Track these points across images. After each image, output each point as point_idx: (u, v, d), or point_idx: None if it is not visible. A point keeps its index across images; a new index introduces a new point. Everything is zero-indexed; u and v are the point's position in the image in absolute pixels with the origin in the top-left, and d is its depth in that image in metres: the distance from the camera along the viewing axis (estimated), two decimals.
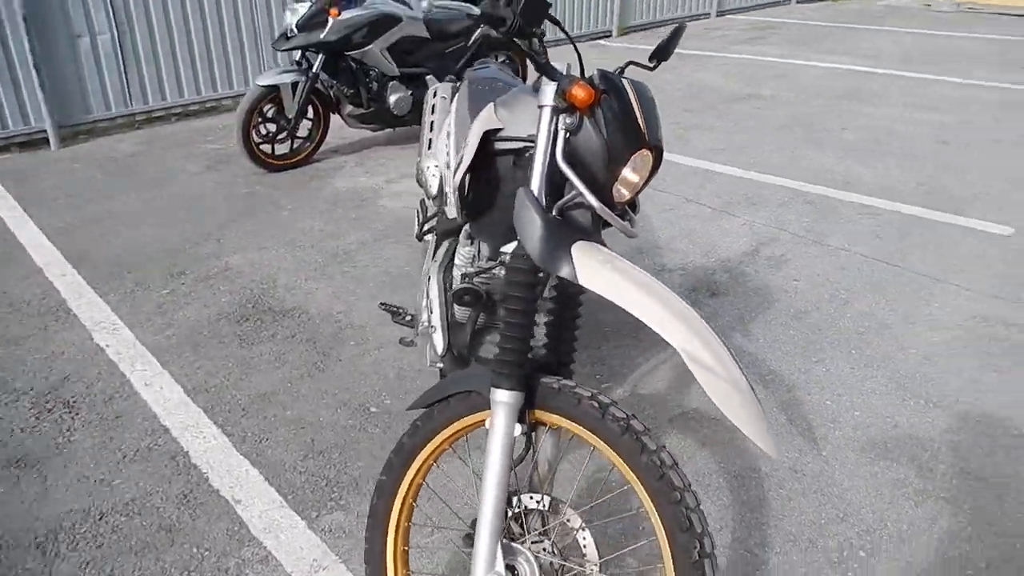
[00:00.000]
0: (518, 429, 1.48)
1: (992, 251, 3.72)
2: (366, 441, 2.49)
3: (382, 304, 2.66)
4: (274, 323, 3.21)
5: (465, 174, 1.75)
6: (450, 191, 1.90)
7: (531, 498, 1.58)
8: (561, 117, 1.46)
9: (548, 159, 1.45)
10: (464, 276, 1.91)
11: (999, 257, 3.65)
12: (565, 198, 1.48)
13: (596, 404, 1.46)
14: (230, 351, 3.01)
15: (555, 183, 1.50)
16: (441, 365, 2.06)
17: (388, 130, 5.37)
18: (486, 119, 1.71)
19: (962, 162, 4.83)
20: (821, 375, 2.79)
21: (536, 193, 1.45)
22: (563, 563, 1.54)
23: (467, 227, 1.91)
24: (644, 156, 1.51)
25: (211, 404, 2.68)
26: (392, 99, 4.98)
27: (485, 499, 1.46)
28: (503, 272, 1.78)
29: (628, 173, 1.50)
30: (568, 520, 1.58)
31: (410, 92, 5.02)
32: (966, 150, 5.08)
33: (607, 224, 1.56)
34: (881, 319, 3.14)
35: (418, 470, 1.64)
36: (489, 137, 1.71)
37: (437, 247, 2.24)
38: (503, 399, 1.46)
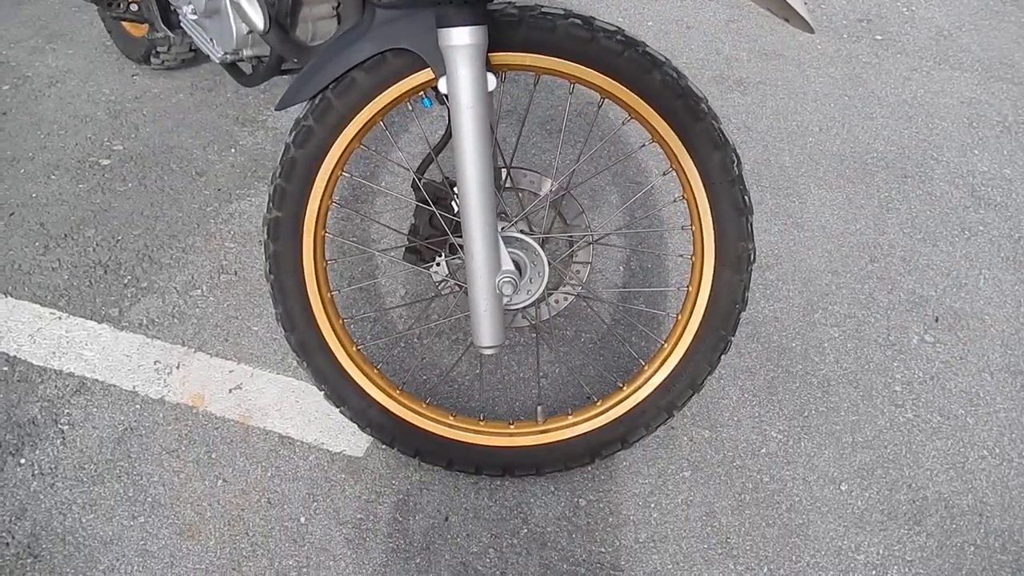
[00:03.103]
0: (492, 81, 1.04)
1: None
2: (121, 199, 1.77)
3: None
4: None
5: None
6: None
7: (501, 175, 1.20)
8: None
9: None
10: None
11: None
12: None
13: (580, 22, 1.07)
14: None
15: None
16: (250, 52, 1.40)
17: None
18: None
19: None
20: None
21: None
22: (569, 237, 1.24)
23: None
24: None
25: None
26: None
27: (468, 186, 1.04)
28: None
29: None
30: (542, 189, 1.25)
31: None
32: None
33: None
34: None
35: (332, 167, 1.13)
36: None
37: None
38: (464, 40, 0.98)
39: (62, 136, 1.96)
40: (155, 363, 1.44)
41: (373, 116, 1.12)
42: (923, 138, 2.10)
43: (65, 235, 1.68)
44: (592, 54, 1.08)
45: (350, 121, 1.11)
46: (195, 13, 1.39)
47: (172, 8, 1.55)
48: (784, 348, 1.55)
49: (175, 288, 1.58)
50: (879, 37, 2.49)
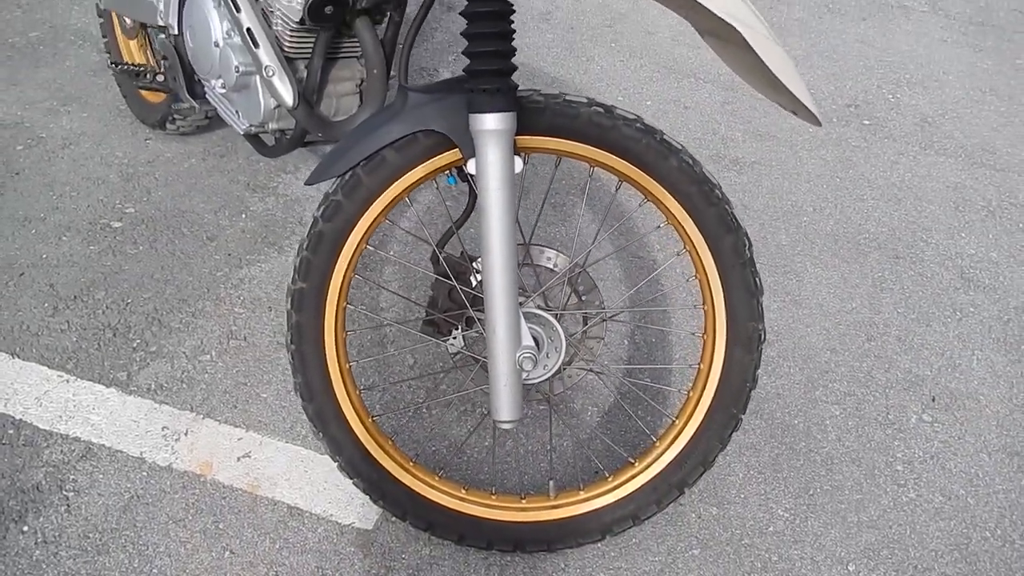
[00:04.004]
0: (518, 164, 1.09)
1: None
2: (132, 262, 1.79)
3: (113, 63, 1.78)
4: None
5: None
6: None
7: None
8: None
9: None
10: None
11: None
12: None
13: (602, 110, 1.12)
14: None
15: None
16: (275, 125, 1.45)
17: None
18: None
19: None
20: None
21: None
22: (584, 313, 1.27)
23: None
24: None
25: None
26: None
27: (492, 264, 1.08)
28: None
29: None
30: (559, 266, 1.28)
31: None
32: None
33: None
34: None
35: (358, 241, 1.17)
36: None
37: None
38: (494, 125, 1.03)
39: (74, 198, 1.99)
40: (163, 429, 1.43)
41: (400, 192, 1.16)
42: (912, 220, 2.18)
43: (74, 297, 1.69)
44: (612, 140, 1.14)
45: (378, 197, 1.15)
46: (224, 87, 1.44)
47: (197, 79, 1.61)
48: (787, 425, 1.57)
49: (184, 353, 1.59)
50: (867, 122, 2.61)
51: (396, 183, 1.15)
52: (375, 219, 1.17)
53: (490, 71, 1.02)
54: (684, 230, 1.19)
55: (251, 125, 1.45)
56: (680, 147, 1.16)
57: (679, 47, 2.92)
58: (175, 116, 2.05)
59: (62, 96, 2.37)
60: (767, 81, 1.10)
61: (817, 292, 1.91)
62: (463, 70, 1.06)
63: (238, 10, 1.31)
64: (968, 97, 2.77)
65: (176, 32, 1.58)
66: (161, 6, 1.62)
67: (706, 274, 1.20)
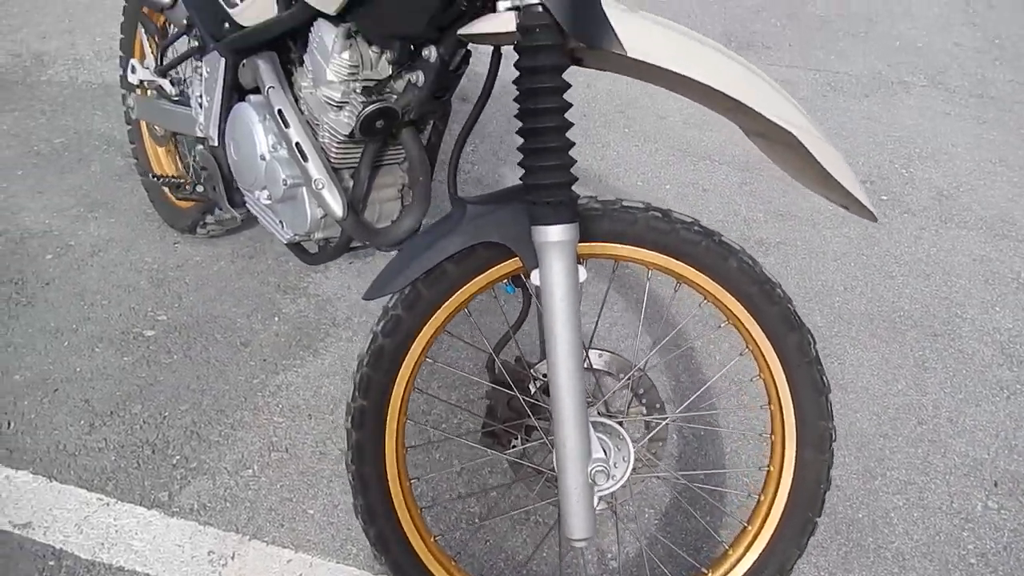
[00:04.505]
0: (582, 273, 1.08)
1: None
2: (167, 373, 1.76)
3: (155, 176, 1.80)
4: None
5: None
6: None
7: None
8: None
9: None
10: (351, 94, 1.29)
11: None
12: None
13: (660, 215, 1.13)
14: None
15: None
16: (321, 234, 1.45)
17: None
18: None
19: None
20: None
21: None
22: (646, 418, 1.24)
23: (341, 24, 1.25)
24: None
25: None
26: None
27: (560, 376, 1.05)
28: (418, 76, 1.23)
29: None
30: (618, 370, 1.26)
31: None
32: None
33: None
34: None
35: (418, 355, 1.15)
36: None
37: (232, 74, 1.51)
38: (558, 237, 1.03)
39: (105, 307, 1.97)
40: (209, 554, 1.37)
41: (460, 304, 1.15)
42: (944, 296, 2.18)
43: (111, 412, 1.65)
44: (671, 244, 1.13)
45: (438, 310, 1.14)
46: (269, 199, 1.44)
47: (236, 188, 1.62)
48: (852, 520, 1.52)
49: (225, 468, 1.54)
50: (884, 197, 2.63)
51: (455, 295, 1.14)
52: (435, 332, 1.15)
53: (553, 184, 1.02)
54: (746, 330, 1.17)
55: (296, 235, 1.45)
56: (739, 247, 1.15)
57: (691, 129, 2.97)
58: (206, 221, 2.06)
59: (89, 202, 2.39)
60: (818, 178, 1.11)
61: (860, 375, 1.88)
62: (521, 180, 1.06)
63: (287, 125, 1.32)
64: (980, 169, 2.81)
65: (216, 143, 1.60)
66: (200, 118, 1.65)
67: (771, 373, 1.18)
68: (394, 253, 1.46)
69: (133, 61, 1.92)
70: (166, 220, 2.24)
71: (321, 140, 1.35)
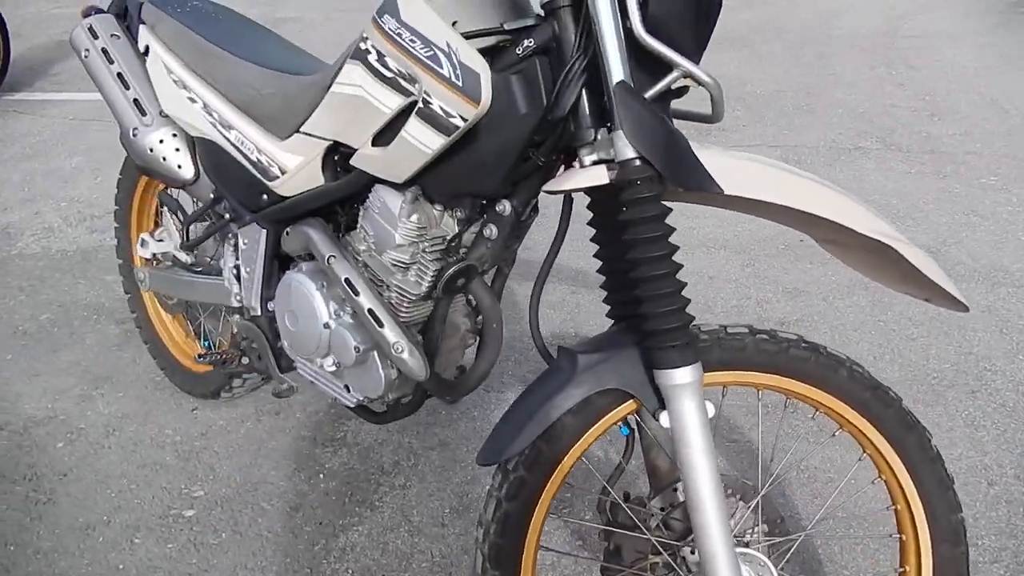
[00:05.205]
0: (711, 408, 1.06)
1: None
2: (218, 554, 1.64)
3: (200, 356, 1.72)
4: None
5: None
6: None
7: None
8: None
9: (623, 34, 0.98)
10: (419, 254, 1.27)
11: None
12: (662, 84, 1.02)
13: (768, 337, 1.13)
14: None
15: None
16: (394, 395, 1.39)
17: None
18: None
19: None
20: None
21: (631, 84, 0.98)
22: (773, 540, 1.19)
23: (407, 189, 1.25)
24: None
25: None
26: None
27: (707, 514, 1.02)
28: (492, 230, 1.22)
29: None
30: (739, 493, 1.22)
31: None
32: None
33: None
34: None
35: (544, 514, 1.11)
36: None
37: (274, 244, 1.49)
38: (686, 379, 1.02)
39: (135, 491, 1.85)
40: None
41: (579, 455, 1.11)
42: (967, 351, 2.23)
43: None
44: (781, 363, 1.13)
45: (558, 464, 1.10)
46: (335, 366, 1.39)
47: (283, 353, 1.56)
48: None
49: None
50: None
51: (575, 447, 1.10)
52: (557, 488, 1.11)
53: (676, 328, 1.01)
54: (864, 435, 1.16)
55: (366, 398, 1.40)
56: (845, 357, 1.16)
57: (684, 219, 3.04)
58: (233, 387, 1.97)
59: (90, 379, 2.27)
60: (901, 277, 1.13)
61: None
62: (640, 327, 1.05)
63: (356, 293, 1.29)
64: (955, 222, 2.95)
65: (258, 312, 1.55)
66: (235, 288, 1.60)
67: (894, 474, 1.16)
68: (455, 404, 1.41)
69: (144, 236, 1.88)
70: (181, 387, 2.14)
71: (388, 301, 1.32)
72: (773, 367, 1.13)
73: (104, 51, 1.68)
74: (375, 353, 1.33)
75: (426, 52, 1.06)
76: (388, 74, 1.13)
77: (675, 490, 1.21)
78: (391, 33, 1.10)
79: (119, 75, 1.65)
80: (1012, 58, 4.85)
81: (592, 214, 1.23)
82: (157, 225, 2.18)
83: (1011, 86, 4.35)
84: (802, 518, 1.72)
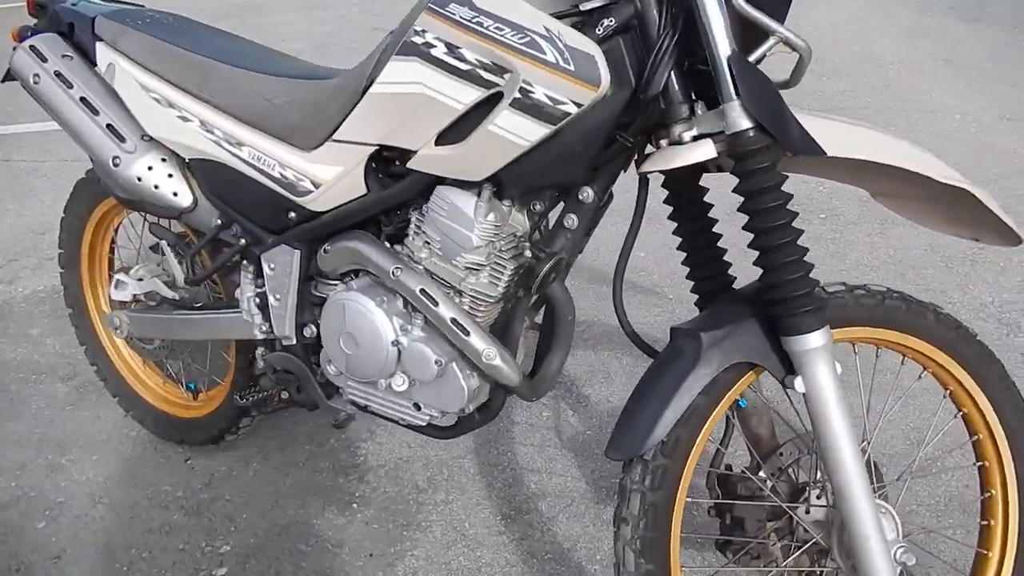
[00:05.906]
0: (838, 367, 1.08)
1: None
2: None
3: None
4: None
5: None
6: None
7: None
8: None
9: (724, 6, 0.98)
10: (494, 254, 1.21)
11: None
12: (760, 51, 1.02)
13: (864, 291, 1.17)
14: None
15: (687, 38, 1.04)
16: (473, 405, 1.32)
17: None
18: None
19: None
20: None
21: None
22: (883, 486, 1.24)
23: (483, 186, 1.18)
24: None
25: None
26: None
27: (849, 472, 1.05)
28: (572, 220, 1.19)
29: None
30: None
31: None
32: None
33: None
34: None
35: (684, 499, 1.10)
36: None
37: (308, 264, 1.38)
38: (819, 342, 1.04)
39: (149, 559, 1.67)
40: None
41: (709, 434, 1.11)
42: (925, 287, 2.42)
43: None
44: (878, 316, 1.16)
45: (694, 446, 1.09)
46: (406, 385, 1.30)
47: (327, 380, 1.45)
48: None
49: None
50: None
51: (705, 427, 1.10)
52: (692, 472, 1.10)
53: (804, 294, 1.03)
54: (949, 373, 1.21)
55: (441, 413, 1.32)
56: (929, 302, 1.21)
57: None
58: (241, 426, 1.82)
59: (52, 446, 2.02)
60: (949, 219, 1.20)
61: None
62: (763, 296, 1.06)
63: (436, 303, 1.21)
64: (943, 264, 2.83)
65: (294, 341, 1.43)
66: (257, 319, 1.47)
67: (976, 406, 1.23)
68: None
69: (120, 276, 1.68)
70: (169, 438, 1.95)
71: (463, 308, 1.26)
72: (870, 320, 1.16)
73: (58, 74, 1.49)
74: (454, 364, 1.26)
75: (519, 38, 1.01)
76: (463, 67, 1.06)
77: (781, 455, 1.24)
78: (465, 22, 1.04)
79: (83, 99, 1.47)
80: (875, 16, 5.28)
81: (668, 192, 1.23)
82: (111, 265, 1.97)
83: (877, 40, 4.74)
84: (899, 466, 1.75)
